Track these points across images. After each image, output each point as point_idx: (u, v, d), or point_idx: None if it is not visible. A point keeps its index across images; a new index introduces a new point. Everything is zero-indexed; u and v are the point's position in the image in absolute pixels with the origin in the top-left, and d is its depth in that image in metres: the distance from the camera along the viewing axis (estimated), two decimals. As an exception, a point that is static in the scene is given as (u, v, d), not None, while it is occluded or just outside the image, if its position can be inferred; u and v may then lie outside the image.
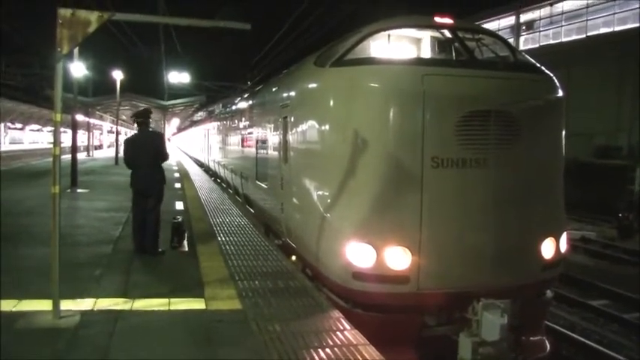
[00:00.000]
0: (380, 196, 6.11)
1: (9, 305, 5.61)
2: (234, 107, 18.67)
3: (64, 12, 5.05)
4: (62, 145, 5.51)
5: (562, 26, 33.32)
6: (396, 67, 6.40)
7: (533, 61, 7.23)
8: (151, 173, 8.14)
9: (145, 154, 8.12)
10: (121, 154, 8.93)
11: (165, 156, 8.39)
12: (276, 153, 9.24)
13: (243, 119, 14.68)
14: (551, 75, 6.88)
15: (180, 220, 9.03)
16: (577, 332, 9.92)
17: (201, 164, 33.58)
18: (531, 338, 6.79)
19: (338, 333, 5.13)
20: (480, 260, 6.16)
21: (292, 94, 8.48)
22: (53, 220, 5.30)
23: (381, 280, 6.07)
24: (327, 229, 6.53)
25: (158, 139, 8.52)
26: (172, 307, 5.81)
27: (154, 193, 8.18)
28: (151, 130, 8.61)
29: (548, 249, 6.57)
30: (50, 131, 5.52)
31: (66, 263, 6.41)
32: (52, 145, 5.44)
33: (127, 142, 8.58)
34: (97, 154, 49.44)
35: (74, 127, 19.60)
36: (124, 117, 53.95)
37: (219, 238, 9.51)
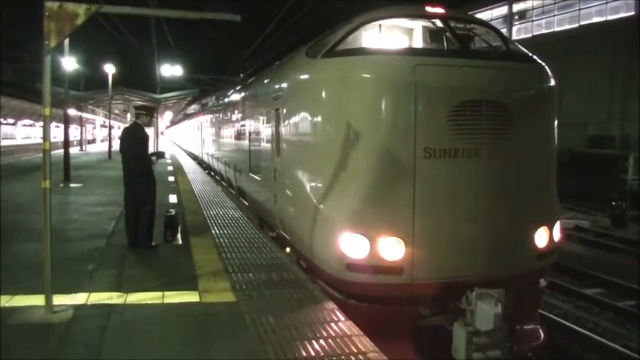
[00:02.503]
0: (373, 187, 6.10)
1: (2, 301, 5.58)
2: (226, 100, 18.61)
3: (51, 4, 4.99)
4: (55, 139, 5.47)
5: (555, 15, 33.34)
6: (388, 58, 6.37)
7: (526, 50, 7.22)
8: (132, 166, 8.07)
9: (127, 147, 8.16)
10: (115, 147, 8.86)
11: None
12: (269, 145, 9.21)
13: (236, 112, 14.63)
14: (544, 64, 6.87)
15: (173, 213, 9.00)
16: (571, 321, 9.96)
17: (194, 157, 33.52)
18: (525, 327, 6.81)
19: (332, 324, 5.13)
20: (474, 250, 6.16)
21: (284, 85, 8.45)
22: (44, 215, 5.27)
23: (375, 270, 6.07)
24: (321, 221, 6.52)
25: (135, 134, 8.21)
26: (166, 301, 5.79)
27: (139, 187, 8.08)
28: (136, 123, 8.44)
29: (541, 238, 6.58)
30: (42, 126, 5.47)
31: (59, 258, 6.42)
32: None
33: (120, 133, 8.61)
34: (90, 148, 49.30)
35: (66, 121, 19.50)
36: (116, 111, 53.72)
37: (213, 231, 9.50)
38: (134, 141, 8.13)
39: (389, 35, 7.76)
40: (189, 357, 4.43)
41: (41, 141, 5.40)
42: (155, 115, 8.39)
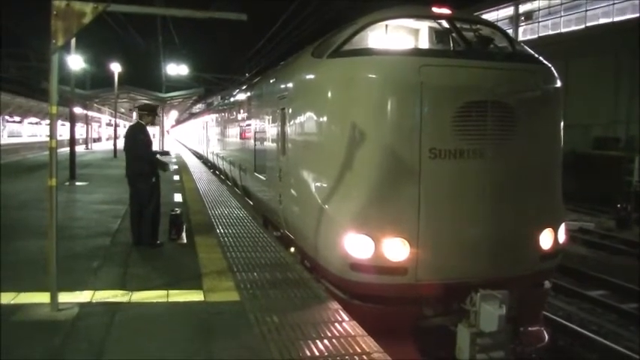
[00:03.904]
0: (378, 187, 6.10)
1: (7, 298, 5.61)
2: (232, 99, 18.64)
3: (59, 3, 5.02)
4: (61, 137, 5.50)
5: (561, 17, 33.23)
6: (394, 58, 6.38)
7: (532, 51, 7.21)
8: (133, 166, 8.12)
9: (128, 146, 8.23)
10: (120, 146, 8.83)
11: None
12: (274, 145, 9.22)
13: (242, 111, 14.64)
14: (549, 65, 6.86)
15: (178, 212, 9.02)
16: (575, 322, 9.95)
17: (199, 156, 33.56)
18: (529, 329, 6.80)
19: (336, 324, 5.14)
20: (478, 251, 6.15)
21: (290, 85, 8.46)
22: (50, 213, 5.30)
23: (379, 271, 6.07)
24: (325, 221, 6.52)
25: (136, 134, 8.26)
26: (171, 299, 5.81)
27: (142, 186, 8.10)
28: (139, 122, 8.45)
29: (546, 240, 6.56)
30: (49, 124, 5.51)
31: (64, 256, 6.45)
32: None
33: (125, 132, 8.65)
34: (95, 146, 49.35)
35: (72, 119, 19.57)
36: (122, 109, 53.85)
37: (218, 230, 9.51)
38: (135, 141, 8.17)
39: (395, 36, 7.76)
40: (193, 355, 4.44)
41: (47, 139, 5.42)
42: (158, 113, 8.42)
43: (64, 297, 5.53)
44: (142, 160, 8.12)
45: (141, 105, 8.71)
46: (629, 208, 19.14)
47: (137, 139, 8.15)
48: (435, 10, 7.10)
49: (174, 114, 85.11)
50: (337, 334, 4.89)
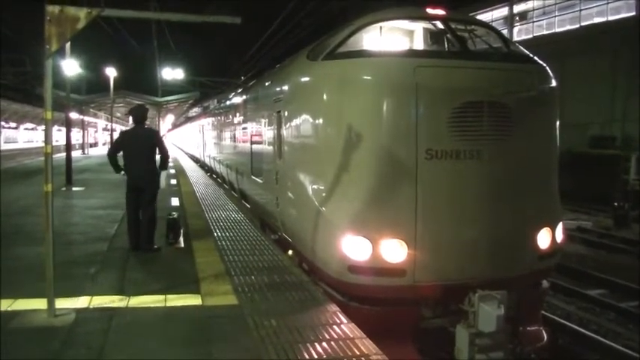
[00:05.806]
0: (374, 189, 6.09)
1: (4, 305, 5.58)
2: (228, 102, 18.65)
3: (52, 8, 5.00)
4: (57, 143, 5.49)
5: (555, 16, 33.31)
6: (389, 60, 6.38)
7: (527, 51, 7.22)
8: (144, 169, 8.01)
9: (140, 149, 8.01)
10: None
11: (165, 152, 8.37)
12: (270, 148, 9.22)
13: (238, 114, 14.65)
14: (545, 65, 6.87)
15: (175, 216, 9.00)
16: (574, 322, 9.94)
17: (196, 160, 33.55)
18: (528, 328, 6.80)
19: (335, 327, 5.13)
20: (476, 252, 6.15)
21: (285, 88, 8.45)
22: (46, 219, 5.28)
23: (377, 273, 6.06)
24: (323, 223, 6.52)
25: (155, 136, 8.39)
26: (168, 304, 5.79)
27: (148, 190, 8.07)
28: (147, 127, 8.49)
29: (544, 239, 6.57)
30: (44, 130, 5.49)
31: (61, 261, 6.42)
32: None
33: (123, 133, 8.53)
34: (92, 151, 49.35)
35: (68, 124, 19.56)
36: (118, 114, 53.83)
37: (215, 234, 9.49)
38: (151, 141, 8.12)
39: (390, 37, 7.77)
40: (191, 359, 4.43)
41: (43, 144, 5.40)
42: (145, 114, 8.34)
43: (61, 303, 5.51)
44: (154, 163, 8.16)
45: (136, 107, 8.63)
46: (627, 206, 19.15)
47: (153, 138, 8.18)
48: (430, 11, 7.10)
49: (170, 118, 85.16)
50: (336, 337, 4.88)
